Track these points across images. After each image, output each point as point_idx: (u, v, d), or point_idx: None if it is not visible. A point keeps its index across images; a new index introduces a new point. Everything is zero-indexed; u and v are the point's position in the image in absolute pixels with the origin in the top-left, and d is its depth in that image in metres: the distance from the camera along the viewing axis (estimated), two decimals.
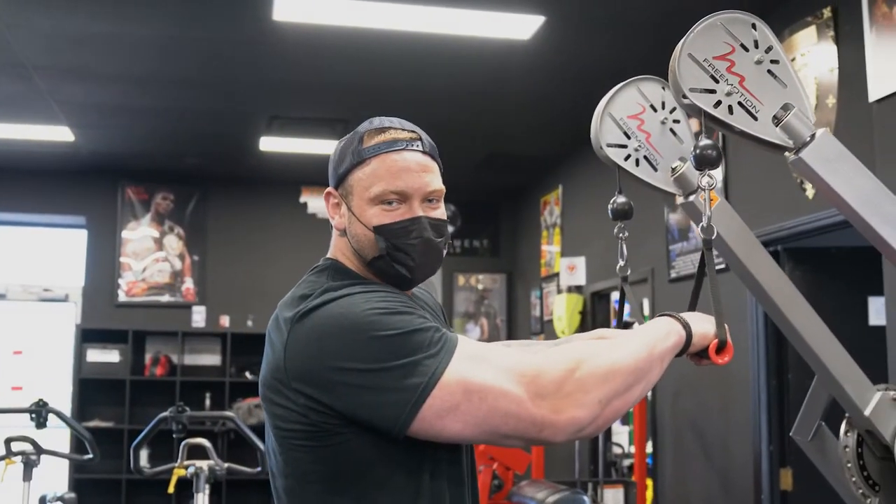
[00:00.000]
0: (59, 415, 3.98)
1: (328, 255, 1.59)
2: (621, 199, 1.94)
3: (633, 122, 1.89)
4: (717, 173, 4.49)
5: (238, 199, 7.65)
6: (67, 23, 4.46)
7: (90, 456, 3.95)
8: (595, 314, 6.28)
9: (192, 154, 7.00)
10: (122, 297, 7.40)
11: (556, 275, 6.79)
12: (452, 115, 5.87)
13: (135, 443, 3.63)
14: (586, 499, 4.11)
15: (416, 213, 1.50)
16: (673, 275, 4.95)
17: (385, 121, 1.55)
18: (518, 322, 7.97)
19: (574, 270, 6.39)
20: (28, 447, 3.82)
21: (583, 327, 6.24)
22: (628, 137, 1.87)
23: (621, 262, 1.90)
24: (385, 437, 1.35)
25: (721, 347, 1.53)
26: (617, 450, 6.15)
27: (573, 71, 5.01)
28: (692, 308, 1.70)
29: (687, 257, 4.81)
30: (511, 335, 8.03)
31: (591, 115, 1.87)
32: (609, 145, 1.86)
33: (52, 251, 7.80)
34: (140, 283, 7.44)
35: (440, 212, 1.55)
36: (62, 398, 7.20)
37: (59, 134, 6.29)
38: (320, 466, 1.40)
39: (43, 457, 3.99)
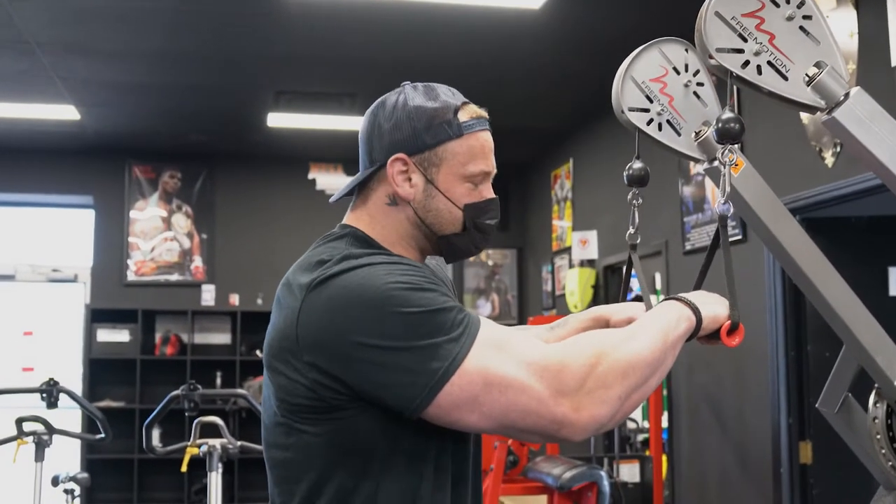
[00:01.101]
0: (70, 394, 3.94)
1: (345, 222, 1.52)
2: (638, 165, 1.87)
3: (656, 85, 1.82)
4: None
5: (246, 177, 7.58)
6: None
7: (102, 436, 3.91)
8: (608, 288, 6.22)
9: (199, 131, 6.94)
10: (130, 277, 7.37)
11: (568, 249, 6.73)
12: (460, 87, 5.75)
13: (147, 421, 3.59)
14: (603, 474, 4.07)
15: (491, 193, 1.51)
16: (688, 247, 4.89)
17: (458, 93, 1.55)
18: (529, 297, 7.91)
19: (586, 244, 6.33)
20: (39, 427, 3.79)
21: (595, 301, 6.19)
22: (650, 101, 1.80)
23: (631, 230, 1.84)
24: (393, 418, 1.30)
25: (733, 329, 1.48)
26: (631, 424, 6.11)
27: (584, 41, 4.93)
28: (699, 285, 1.65)
29: (702, 229, 4.74)
30: (522, 311, 7.98)
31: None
32: (631, 109, 1.79)
33: (61, 231, 7.76)
34: (149, 263, 7.40)
35: None
36: (73, 378, 7.18)
37: (65, 112, 6.23)
38: (322, 441, 1.35)
39: (55, 437, 3.96)
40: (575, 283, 6.35)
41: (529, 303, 7.88)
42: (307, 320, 1.33)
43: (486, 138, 1.50)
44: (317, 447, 1.36)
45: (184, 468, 3.64)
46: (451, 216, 1.48)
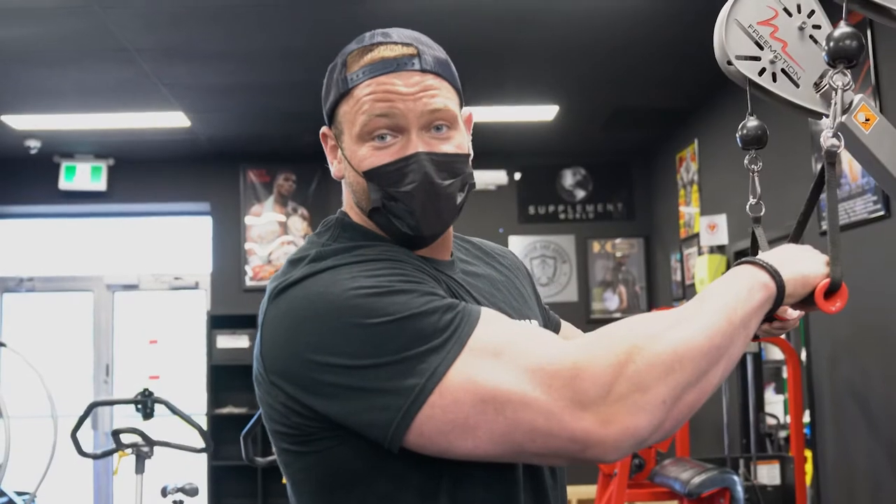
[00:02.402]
0: (166, 404, 3.85)
1: (342, 208, 1.29)
2: (753, 123, 1.59)
3: (765, 29, 1.54)
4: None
5: None
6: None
7: (203, 446, 3.80)
8: None
9: (312, 131, 6.81)
10: (248, 282, 7.33)
11: (696, 235, 6.34)
12: (572, 70, 5.49)
13: (244, 431, 3.45)
14: (736, 478, 3.72)
15: (412, 148, 1.17)
16: (823, 226, 4.46)
17: (377, 34, 1.23)
18: (658, 288, 7.53)
19: (715, 229, 5.93)
20: (138, 439, 3.70)
21: None
22: (761, 48, 1.52)
23: (752, 200, 1.57)
24: (385, 450, 1.04)
25: (833, 290, 1.17)
26: (771, 421, 5.68)
27: (704, 11, 4.56)
28: (797, 237, 1.36)
29: (840, 206, 4.32)
30: (651, 302, 7.60)
31: None
32: (739, 58, 1.52)
33: (180, 239, 7.82)
34: (267, 267, 7.36)
35: (453, 144, 1.21)
36: (198, 386, 7.21)
37: (175, 120, 6.22)
38: (307, 475, 1.12)
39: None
40: (705, 270, 5.96)
41: (659, 294, 7.50)
42: (268, 337, 1.11)
43: (380, 82, 1.18)
44: (304, 483, 1.12)
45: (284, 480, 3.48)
46: (361, 189, 1.21)
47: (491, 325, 1.07)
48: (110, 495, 7.38)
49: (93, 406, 3.94)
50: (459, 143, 1.23)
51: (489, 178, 7.31)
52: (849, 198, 4.20)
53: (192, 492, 4.06)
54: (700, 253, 6.20)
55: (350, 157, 1.22)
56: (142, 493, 3.69)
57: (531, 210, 7.64)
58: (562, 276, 7.60)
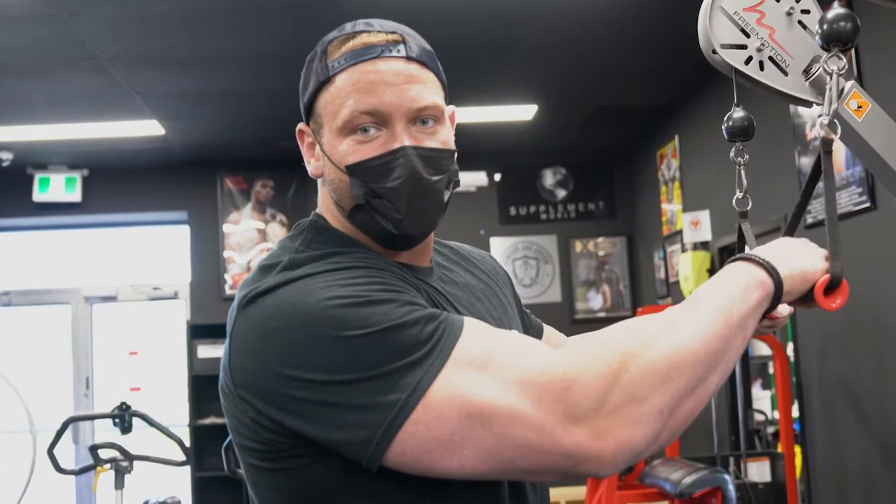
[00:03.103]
0: (144, 418, 3.77)
1: (316, 210, 1.21)
2: (739, 114, 1.54)
3: (752, 15, 1.49)
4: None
5: None
6: (135, 4, 4.21)
7: (183, 459, 3.72)
8: None
9: (289, 137, 6.71)
10: (228, 291, 7.24)
11: (680, 232, 6.30)
12: (550, 68, 5.44)
13: (225, 444, 3.38)
14: (727, 477, 3.68)
15: (398, 142, 1.10)
16: (809, 220, 4.42)
17: (359, 23, 1.16)
18: (642, 286, 7.49)
19: (698, 226, 5.88)
20: (116, 454, 3.62)
21: None
22: (747, 35, 1.48)
23: (739, 194, 1.52)
24: (361, 468, 0.97)
25: (833, 286, 1.12)
26: (759, 417, 5.64)
27: (682, 6, 4.51)
28: (792, 230, 1.31)
29: (823, 200, 4.28)
30: (635, 301, 7.56)
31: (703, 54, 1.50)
32: (724, 47, 1.47)
33: (158, 249, 7.72)
34: (246, 275, 7.26)
35: (438, 140, 1.14)
36: (180, 397, 7.11)
37: (149, 128, 6.13)
38: (278, 493, 1.05)
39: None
40: (689, 268, 5.91)
41: (643, 292, 7.46)
42: (237, 348, 1.04)
43: (366, 70, 1.11)
44: (273, 501, 1.05)
45: None
46: (342, 185, 1.14)
47: (475, 336, 1.01)
48: None
49: (69, 422, 3.86)
50: (445, 138, 1.17)
51: (469, 180, 7.25)
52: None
53: None
54: (684, 250, 6.16)
55: (330, 153, 1.14)
56: None
57: (512, 211, 7.59)
58: (545, 277, 7.55)
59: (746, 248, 1.50)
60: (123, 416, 3.73)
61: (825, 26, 1.22)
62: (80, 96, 5.46)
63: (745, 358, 5.22)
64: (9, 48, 4.60)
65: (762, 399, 6.17)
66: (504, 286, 1.42)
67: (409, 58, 1.14)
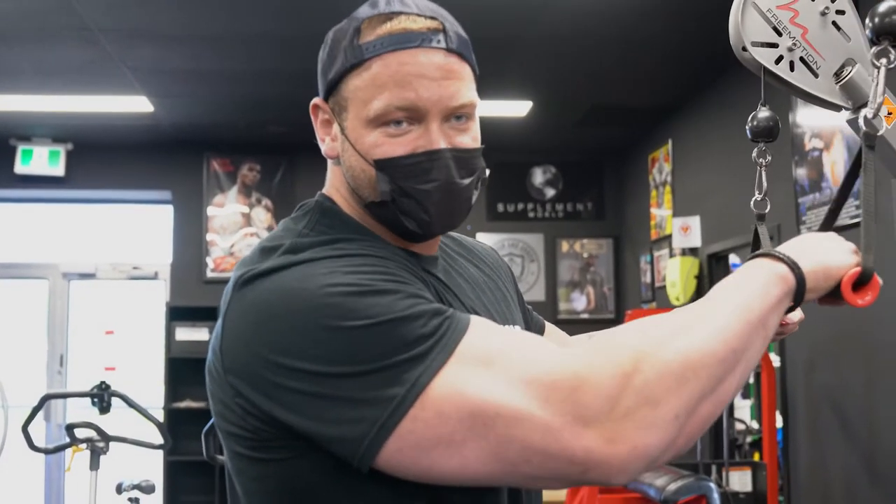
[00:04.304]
0: (123, 398, 3.69)
1: (323, 190, 1.15)
2: (765, 114, 1.52)
3: (785, 13, 1.46)
4: None
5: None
6: None
7: (161, 442, 3.64)
8: (713, 278, 5.74)
9: (277, 121, 6.67)
10: (210, 274, 7.16)
11: (668, 237, 6.27)
12: (547, 65, 5.39)
13: (205, 429, 3.31)
14: (712, 485, 3.64)
15: (434, 142, 1.06)
16: (803, 230, 4.40)
17: (395, 0, 1.08)
18: (627, 289, 7.46)
19: (688, 231, 5.86)
20: (93, 434, 3.53)
21: (699, 293, 5.71)
22: (779, 34, 1.44)
23: (758, 196, 1.49)
24: (351, 467, 0.92)
25: (864, 281, 1.07)
26: (739, 426, 5.63)
27: (682, 8, 4.47)
28: (828, 226, 1.27)
29: (819, 210, 4.26)
30: (619, 304, 7.53)
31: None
32: (755, 44, 1.44)
33: (140, 228, 7.63)
34: (229, 259, 7.19)
35: (471, 136, 1.10)
36: (155, 378, 7.02)
37: (137, 104, 6.03)
38: (261, 485, 0.99)
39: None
40: (676, 273, 5.89)
41: (628, 295, 7.43)
42: (229, 331, 0.98)
43: (404, 61, 1.05)
44: (256, 495, 1.00)
45: None
46: (365, 177, 1.08)
47: (482, 333, 0.95)
48: (62, 491, 7.16)
49: (46, 398, 3.78)
50: (476, 134, 1.14)
51: None
52: (828, 202, 4.14)
53: (148, 489, 3.91)
54: (672, 255, 6.14)
55: (354, 140, 1.09)
56: (96, 490, 3.52)
57: (500, 207, 7.54)
58: (529, 276, 7.51)
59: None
60: (102, 396, 3.65)
61: (876, 19, 1.19)
62: (70, 68, 5.35)
63: None
64: None
65: (742, 408, 6.15)
66: (507, 281, 1.38)
67: (448, 50, 1.08)
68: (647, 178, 6.85)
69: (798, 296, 1.02)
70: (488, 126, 5.95)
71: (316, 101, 1.16)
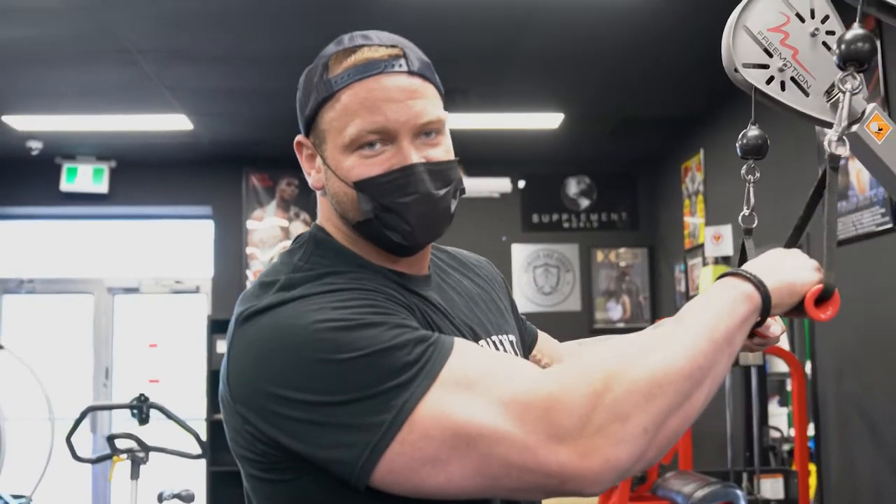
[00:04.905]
0: (161, 410, 3.81)
1: (317, 221, 1.25)
2: (754, 132, 1.57)
3: (776, 35, 1.51)
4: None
5: None
6: (167, 1, 4.26)
7: (199, 452, 3.75)
8: None
9: None
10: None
11: (701, 246, 6.29)
12: (579, 79, 5.45)
13: None
14: (739, 492, 3.67)
15: (407, 158, 1.14)
16: (840, 237, 4.41)
17: (357, 37, 1.19)
18: (662, 298, 7.48)
19: (720, 240, 5.88)
20: (133, 444, 3.66)
21: None
22: (770, 55, 1.50)
23: (746, 211, 1.54)
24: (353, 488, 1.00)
25: (825, 297, 1.14)
26: (775, 434, 5.62)
27: (712, 19, 4.51)
28: (793, 242, 1.32)
29: (847, 218, 4.27)
30: (655, 312, 7.55)
31: None
32: (746, 66, 1.49)
33: (182, 243, 7.78)
34: None
35: (442, 149, 1.18)
36: (198, 391, 7.16)
37: (177, 123, 6.19)
38: (274, 503, 1.08)
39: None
40: (709, 281, 5.91)
41: (662, 304, 7.45)
42: (234, 364, 1.08)
43: (371, 87, 1.14)
44: None
45: None
46: (348, 199, 1.16)
47: (464, 357, 1.03)
48: (108, 499, 7.33)
49: (88, 410, 3.90)
50: (448, 147, 1.20)
51: (493, 186, 7.26)
52: (856, 210, 4.15)
53: (188, 498, 4.01)
54: (705, 263, 6.16)
55: (335, 167, 1.17)
56: (136, 499, 3.65)
57: (535, 218, 7.60)
58: (565, 286, 7.55)
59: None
60: (141, 408, 3.78)
61: (843, 46, 1.24)
62: (111, 89, 5.52)
63: (763, 374, 5.21)
64: (42, 39, 4.65)
65: (779, 416, 6.13)
66: (501, 292, 1.45)
67: (410, 72, 1.16)
68: (680, 188, 6.88)
69: (764, 312, 1.09)
70: (521, 138, 6.03)
71: (298, 138, 1.25)
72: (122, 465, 3.71)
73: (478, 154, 6.44)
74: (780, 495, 4.37)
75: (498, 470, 0.97)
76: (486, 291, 1.39)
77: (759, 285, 1.08)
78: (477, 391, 0.98)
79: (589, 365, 0.99)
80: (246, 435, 1.07)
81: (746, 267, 1.12)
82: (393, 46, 1.18)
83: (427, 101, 1.17)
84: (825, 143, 1.25)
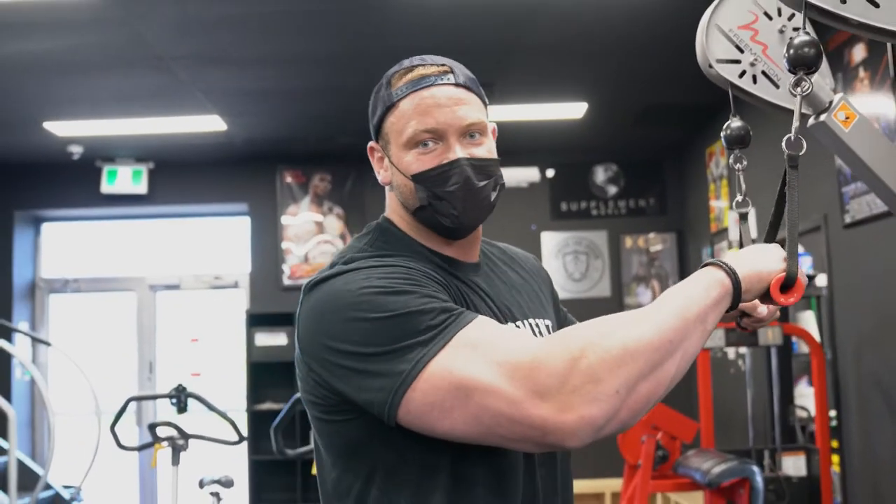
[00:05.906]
0: (199, 399, 3.99)
1: (384, 213, 1.50)
2: (737, 123, 1.71)
3: (746, 32, 1.65)
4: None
5: None
6: (196, 7, 4.43)
7: (236, 439, 3.93)
8: None
9: (346, 133, 6.95)
10: (286, 281, 7.48)
11: (727, 230, 6.37)
12: (604, 67, 5.55)
13: (274, 424, 3.58)
14: (755, 469, 3.78)
15: (453, 154, 1.37)
16: (847, 220, 4.49)
17: (415, 59, 1.44)
18: None
19: None
20: (173, 432, 3.85)
21: None
22: (741, 51, 1.64)
23: (738, 197, 1.66)
24: (391, 427, 1.22)
25: (789, 284, 1.27)
26: (801, 413, 5.69)
27: None
28: (771, 237, 1.46)
29: (862, 199, 4.35)
30: None
31: None
32: (720, 61, 1.63)
33: (220, 240, 7.99)
34: (304, 266, 7.50)
35: (485, 149, 1.41)
36: (238, 382, 7.37)
37: (212, 124, 6.38)
38: (331, 441, 1.33)
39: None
40: None
41: None
42: (303, 322, 1.32)
43: (423, 96, 1.38)
44: (329, 448, 1.34)
45: (314, 471, 3.59)
46: (408, 190, 1.41)
47: (478, 328, 1.21)
48: (154, 485, 7.59)
49: (129, 401, 4.10)
50: (490, 148, 1.43)
51: (522, 176, 7.38)
52: (869, 191, 4.23)
53: (227, 483, 4.20)
54: (730, 247, 6.24)
55: (397, 164, 1.40)
56: (178, 485, 3.83)
57: (563, 206, 7.71)
58: (594, 272, 7.66)
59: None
60: (179, 397, 3.97)
61: (791, 51, 1.31)
62: (146, 94, 5.71)
63: (788, 354, 5.28)
64: (79, 49, 4.86)
65: (807, 396, 6.20)
66: (543, 285, 1.66)
67: (457, 84, 1.40)
68: (705, 173, 6.95)
69: (736, 296, 1.24)
70: (547, 128, 6.14)
71: (370, 144, 1.48)
72: (164, 453, 3.90)
73: (505, 145, 6.40)
74: (803, 472, 4.46)
75: (491, 420, 1.15)
76: (528, 282, 1.59)
77: (731, 273, 1.23)
78: (478, 353, 1.17)
79: (570, 335, 1.16)
80: (311, 381, 1.30)
81: (724, 258, 1.27)
82: (443, 65, 1.41)
83: (470, 108, 1.39)
84: (783, 143, 1.34)
